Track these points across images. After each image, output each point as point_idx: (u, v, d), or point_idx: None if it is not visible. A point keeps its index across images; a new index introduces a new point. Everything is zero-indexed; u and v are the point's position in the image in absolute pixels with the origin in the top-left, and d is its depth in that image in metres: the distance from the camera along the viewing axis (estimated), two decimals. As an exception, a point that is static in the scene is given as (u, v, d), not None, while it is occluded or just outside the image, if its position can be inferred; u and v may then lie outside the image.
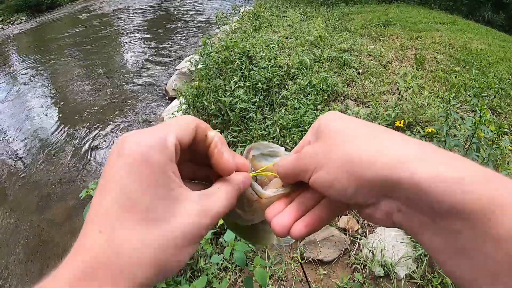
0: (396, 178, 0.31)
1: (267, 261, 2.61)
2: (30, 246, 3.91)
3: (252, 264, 1.82)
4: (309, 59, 5.10)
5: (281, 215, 0.42)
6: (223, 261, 2.59)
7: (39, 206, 4.50)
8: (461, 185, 0.29)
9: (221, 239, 2.66)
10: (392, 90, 4.55)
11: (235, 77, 4.38)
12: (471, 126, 2.61)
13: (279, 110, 4.03)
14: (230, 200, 0.40)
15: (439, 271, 2.35)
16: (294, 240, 0.49)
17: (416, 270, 2.42)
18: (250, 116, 3.96)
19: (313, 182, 0.38)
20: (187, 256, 0.35)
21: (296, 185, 0.44)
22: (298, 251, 2.64)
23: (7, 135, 6.30)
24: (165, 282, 2.37)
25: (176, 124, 0.38)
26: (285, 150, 0.49)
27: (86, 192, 2.31)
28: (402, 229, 0.35)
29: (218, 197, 0.39)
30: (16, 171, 5.27)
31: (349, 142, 0.36)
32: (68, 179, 4.94)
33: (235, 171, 0.43)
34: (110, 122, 6.16)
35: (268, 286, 2.42)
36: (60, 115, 6.70)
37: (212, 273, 2.49)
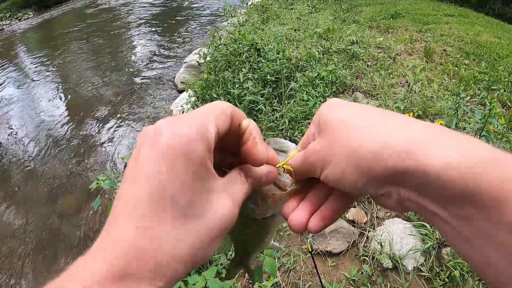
0: (403, 168, 0.31)
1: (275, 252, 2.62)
2: (41, 238, 3.95)
3: (261, 254, 1.83)
4: (317, 51, 5.09)
5: (297, 212, 0.42)
6: (232, 251, 2.59)
7: (49, 198, 4.54)
8: (470, 170, 0.28)
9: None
10: (401, 83, 4.52)
11: (243, 69, 4.39)
12: (480, 119, 2.60)
13: (288, 102, 4.03)
14: (250, 189, 0.40)
15: (448, 264, 2.35)
16: (282, 248, 0.49)
17: (424, 263, 2.42)
18: (259, 108, 3.97)
19: (324, 178, 0.39)
20: (218, 246, 0.35)
21: (308, 179, 0.44)
22: (308, 241, 2.65)
23: (17, 128, 6.35)
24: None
25: (214, 111, 0.37)
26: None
27: (97, 183, 2.30)
28: (417, 214, 0.35)
29: (242, 183, 0.39)
30: (26, 163, 5.32)
31: (352, 135, 0.36)
32: (77, 171, 4.97)
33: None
34: (119, 115, 6.18)
35: (276, 277, 2.43)
36: (69, 109, 6.74)
37: (221, 264, 2.50)
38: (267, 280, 2.39)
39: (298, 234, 2.77)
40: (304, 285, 2.42)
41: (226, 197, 0.36)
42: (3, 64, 9.56)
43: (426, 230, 2.55)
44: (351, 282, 2.40)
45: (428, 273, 2.35)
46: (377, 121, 0.36)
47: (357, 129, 0.36)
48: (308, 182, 0.44)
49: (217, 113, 0.37)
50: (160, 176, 0.31)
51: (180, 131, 0.33)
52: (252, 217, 0.49)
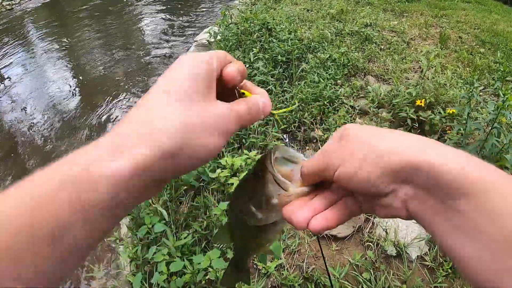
0: (416, 162, 0.37)
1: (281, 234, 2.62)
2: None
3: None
4: (330, 32, 5.01)
5: (301, 210, 0.45)
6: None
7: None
8: (465, 168, 0.35)
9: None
10: (414, 68, 4.46)
11: (254, 49, 4.34)
12: (493, 110, 2.55)
13: (298, 84, 3.99)
14: (249, 111, 0.44)
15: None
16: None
17: (428, 252, 2.42)
18: (269, 89, 3.93)
19: (337, 176, 0.42)
20: (214, 144, 0.39)
21: (315, 187, 0.47)
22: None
23: (26, 108, 6.33)
24: (180, 251, 2.41)
25: (216, 53, 0.44)
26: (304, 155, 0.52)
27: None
28: (415, 219, 0.40)
29: (243, 104, 0.44)
30: (35, 144, 5.34)
31: (370, 140, 0.41)
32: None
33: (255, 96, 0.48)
34: (128, 93, 6.18)
35: (280, 259, 2.44)
36: (79, 88, 6.73)
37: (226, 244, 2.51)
38: (271, 262, 2.40)
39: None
40: (308, 267, 2.42)
41: (226, 106, 0.42)
42: (13, 43, 9.51)
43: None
44: (355, 267, 2.40)
45: (432, 263, 2.35)
46: (395, 133, 0.42)
47: (375, 137, 0.41)
48: (315, 190, 0.47)
49: (218, 54, 0.44)
50: (175, 74, 0.40)
51: (198, 57, 0.42)
52: (255, 225, 0.51)
